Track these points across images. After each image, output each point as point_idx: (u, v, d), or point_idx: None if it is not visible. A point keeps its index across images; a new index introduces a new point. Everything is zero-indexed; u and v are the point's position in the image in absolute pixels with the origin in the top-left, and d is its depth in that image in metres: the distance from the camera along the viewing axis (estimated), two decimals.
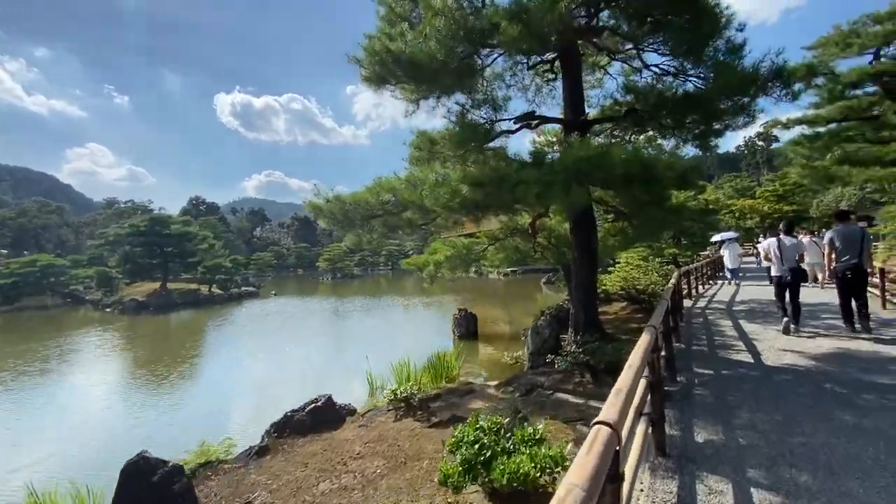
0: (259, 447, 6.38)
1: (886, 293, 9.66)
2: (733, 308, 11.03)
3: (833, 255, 7.03)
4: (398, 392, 6.22)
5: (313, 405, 6.86)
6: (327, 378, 12.12)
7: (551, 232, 9.68)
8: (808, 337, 7.21)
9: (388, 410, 6.23)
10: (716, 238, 27.60)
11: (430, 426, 5.79)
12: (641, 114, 7.88)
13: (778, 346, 6.79)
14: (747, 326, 8.50)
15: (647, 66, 8.28)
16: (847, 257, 6.86)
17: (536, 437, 4.03)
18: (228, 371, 14.16)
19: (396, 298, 32.24)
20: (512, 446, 3.94)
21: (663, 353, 5.23)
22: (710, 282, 18.13)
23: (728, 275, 17.19)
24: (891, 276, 10.08)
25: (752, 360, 6.17)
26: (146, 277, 36.60)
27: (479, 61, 7.74)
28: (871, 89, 13.39)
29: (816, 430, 3.78)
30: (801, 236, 13.49)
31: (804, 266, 8.48)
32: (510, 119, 7.64)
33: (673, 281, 8.15)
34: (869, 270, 7.19)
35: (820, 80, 14.62)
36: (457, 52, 6.55)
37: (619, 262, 20.82)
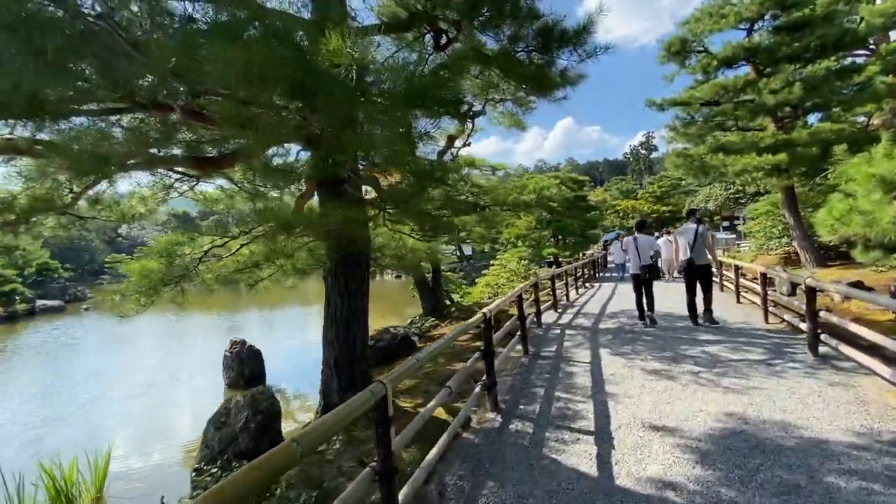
0: None
1: (769, 302, 7.67)
2: (600, 326, 8.51)
3: (679, 253, 7.58)
4: None
5: None
6: None
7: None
8: (679, 381, 4.78)
9: None
10: (607, 237, 29.96)
11: None
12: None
13: (642, 416, 4.06)
14: (609, 364, 5.81)
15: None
16: (685, 253, 7.28)
17: None
18: None
19: (261, 308, 25.06)
20: None
21: None
22: (588, 284, 16.11)
23: (615, 271, 18.68)
24: (774, 275, 8.21)
25: (595, 473, 3.17)
26: None
27: None
28: (743, 70, 12.02)
29: None
30: (661, 235, 14.92)
31: (659, 263, 9.52)
32: None
33: (489, 308, 5.10)
34: (707, 264, 7.33)
35: (693, 61, 13.15)
36: None
37: (493, 265, 18.25)
